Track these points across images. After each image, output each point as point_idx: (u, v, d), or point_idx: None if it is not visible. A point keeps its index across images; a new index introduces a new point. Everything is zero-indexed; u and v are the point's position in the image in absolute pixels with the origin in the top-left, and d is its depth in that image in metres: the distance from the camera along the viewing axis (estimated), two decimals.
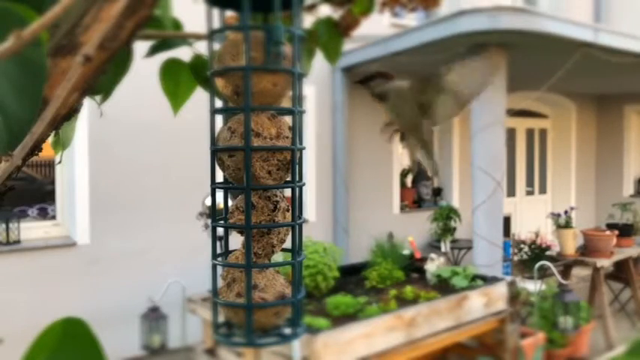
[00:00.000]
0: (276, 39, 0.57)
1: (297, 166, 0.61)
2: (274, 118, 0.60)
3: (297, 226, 0.62)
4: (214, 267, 0.63)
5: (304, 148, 0.62)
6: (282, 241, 0.62)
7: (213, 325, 0.63)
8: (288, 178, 0.61)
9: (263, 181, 0.59)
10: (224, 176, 0.63)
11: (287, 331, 0.62)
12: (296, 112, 0.61)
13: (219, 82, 0.60)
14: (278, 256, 0.68)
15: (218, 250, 0.64)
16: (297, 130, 0.61)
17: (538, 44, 4.55)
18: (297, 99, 0.61)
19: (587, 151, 8.74)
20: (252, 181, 0.58)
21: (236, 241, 0.64)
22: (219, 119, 0.66)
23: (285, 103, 0.62)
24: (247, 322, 0.58)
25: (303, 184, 0.63)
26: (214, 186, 0.64)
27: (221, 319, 0.63)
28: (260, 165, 0.58)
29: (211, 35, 0.60)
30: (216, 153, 0.61)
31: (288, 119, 0.62)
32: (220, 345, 3.54)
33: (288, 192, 0.63)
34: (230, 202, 0.65)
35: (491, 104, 4.44)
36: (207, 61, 0.69)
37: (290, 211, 0.62)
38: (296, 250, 0.63)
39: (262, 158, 0.58)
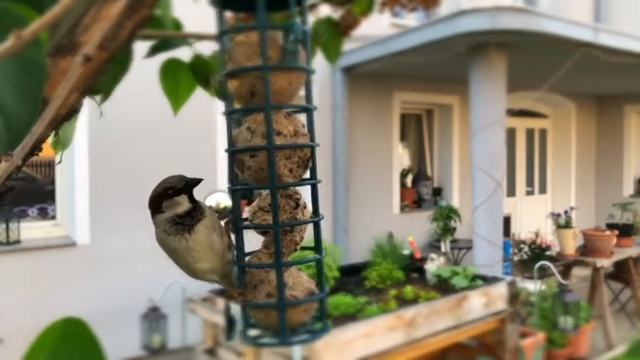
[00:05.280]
0: (295, 37, 0.57)
1: (315, 164, 0.61)
2: (290, 117, 0.60)
3: (317, 223, 0.62)
4: (241, 269, 0.62)
5: (319, 145, 0.62)
6: (302, 239, 0.62)
7: (242, 328, 0.62)
8: (305, 176, 0.61)
9: (285, 179, 0.59)
10: (229, 178, 0.63)
11: (315, 327, 0.62)
12: (312, 109, 0.61)
13: (233, 83, 0.60)
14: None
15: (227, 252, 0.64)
16: (312, 127, 0.61)
17: (538, 44, 4.55)
18: (310, 96, 0.61)
19: (587, 151, 8.74)
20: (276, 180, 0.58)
21: (248, 241, 0.64)
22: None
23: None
24: (281, 322, 0.58)
25: (320, 182, 0.63)
26: (234, 187, 0.63)
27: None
28: (283, 163, 0.58)
29: (221, 36, 0.60)
30: (235, 154, 0.60)
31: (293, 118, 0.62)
32: (220, 345, 3.54)
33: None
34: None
35: (492, 104, 4.44)
36: (207, 61, 0.69)
37: (307, 207, 0.62)
38: (319, 246, 0.63)
39: (285, 156, 0.58)
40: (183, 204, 0.63)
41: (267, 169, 0.58)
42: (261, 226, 0.60)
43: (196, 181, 0.63)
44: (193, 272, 0.64)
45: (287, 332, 0.59)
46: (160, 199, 0.64)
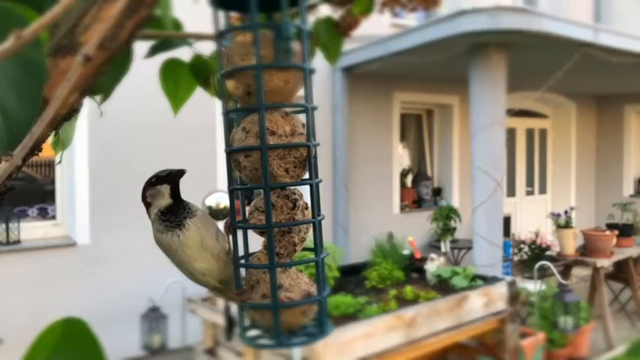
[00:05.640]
0: (286, 35, 0.57)
1: (313, 163, 0.60)
2: (287, 116, 0.60)
3: (317, 224, 0.62)
4: (237, 269, 0.62)
5: (319, 145, 0.62)
6: (303, 240, 0.62)
7: (239, 328, 0.63)
8: (305, 176, 0.61)
9: (281, 179, 0.59)
10: (228, 178, 0.63)
11: (314, 329, 0.62)
12: (309, 108, 0.61)
13: (230, 84, 0.60)
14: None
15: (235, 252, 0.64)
16: (310, 126, 0.61)
17: (538, 44, 4.55)
18: (309, 95, 0.61)
19: (587, 151, 8.74)
20: (270, 180, 0.58)
21: (251, 242, 0.64)
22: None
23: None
24: (275, 323, 0.58)
25: (320, 181, 0.62)
26: (232, 188, 0.63)
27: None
28: (277, 163, 0.58)
29: (219, 37, 0.60)
30: (232, 154, 0.60)
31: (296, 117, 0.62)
32: (220, 345, 3.54)
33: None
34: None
35: (492, 104, 4.44)
36: (207, 61, 0.69)
37: (309, 208, 0.61)
38: (318, 247, 0.62)
39: (279, 156, 0.58)
40: (165, 195, 0.65)
41: (261, 169, 0.58)
42: (255, 226, 0.60)
43: (180, 172, 0.65)
44: (190, 273, 0.65)
45: (282, 333, 0.59)
46: (145, 190, 0.66)
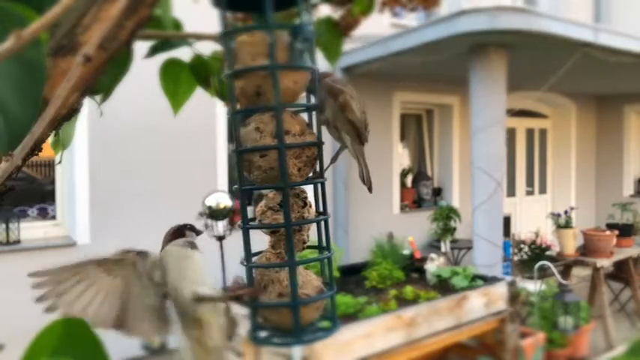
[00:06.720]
0: (306, 36, 0.57)
1: (322, 162, 0.62)
2: (296, 116, 0.60)
3: (326, 221, 0.63)
4: (249, 270, 0.62)
5: (324, 143, 0.63)
6: (309, 237, 0.63)
7: (250, 329, 0.63)
8: (310, 174, 0.62)
9: (293, 178, 0.59)
10: (238, 178, 0.63)
11: (322, 325, 0.62)
12: (318, 107, 0.62)
13: (238, 83, 0.60)
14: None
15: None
16: (319, 125, 0.62)
17: (538, 44, 4.55)
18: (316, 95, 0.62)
19: (587, 151, 8.74)
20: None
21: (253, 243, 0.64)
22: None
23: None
24: (295, 320, 0.58)
25: (325, 180, 0.64)
26: (244, 188, 0.62)
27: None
28: (293, 162, 0.58)
29: (227, 37, 0.60)
30: (242, 154, 0.60)
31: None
32: None
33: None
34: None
35: (492, 104, 4.44)
36: (207, 61, 0.69)
37: (312, 206, 0.62)
38: (327, 245, 0.64)
39: (294, 155, 0.59)
40: (194, 236, 0.70)
41: (278, 168, 0.58)
42: (271, 225, 0.60)
43: (198, 232, 0.72)
44: (178, 291, 0.64)
45: (300, 331, 0.59)
46: (179, 231, 0.70)
